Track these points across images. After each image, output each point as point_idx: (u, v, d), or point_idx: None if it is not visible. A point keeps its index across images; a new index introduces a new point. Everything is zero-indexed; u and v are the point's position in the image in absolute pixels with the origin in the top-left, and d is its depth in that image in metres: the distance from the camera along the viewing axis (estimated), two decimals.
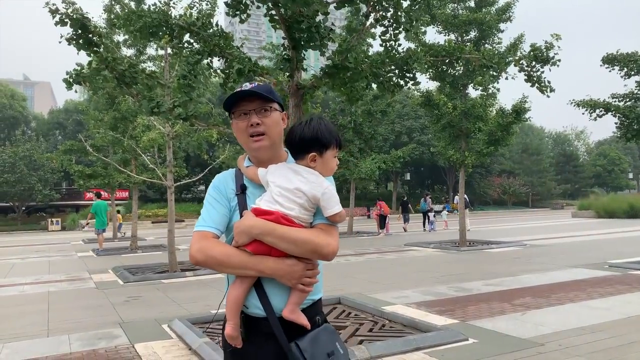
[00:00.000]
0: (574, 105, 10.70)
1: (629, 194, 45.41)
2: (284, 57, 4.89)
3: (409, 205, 24.01)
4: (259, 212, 1.64)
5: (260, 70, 5.41)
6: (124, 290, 8.91)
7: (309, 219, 1.68)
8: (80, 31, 4.81)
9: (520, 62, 5.83)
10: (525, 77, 5.91)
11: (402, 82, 6.00)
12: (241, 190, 1.72)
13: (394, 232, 21.81)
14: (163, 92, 8.60)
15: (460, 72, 14.50)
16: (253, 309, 1.67)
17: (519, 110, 13.59)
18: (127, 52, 13.53)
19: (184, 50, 6.03)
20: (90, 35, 4.91)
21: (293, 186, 1.65)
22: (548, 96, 5.93)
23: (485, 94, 14.03)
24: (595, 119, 10.36)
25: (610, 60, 10.78)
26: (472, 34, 14.47)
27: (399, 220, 23.95)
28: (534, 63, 5.79)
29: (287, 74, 5.01)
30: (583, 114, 10.51)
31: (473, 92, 28.86)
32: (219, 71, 6.25)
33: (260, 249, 1.61)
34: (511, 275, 9.18)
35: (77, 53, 5.02)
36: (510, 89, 14.87)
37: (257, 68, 5.34)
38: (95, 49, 5.01)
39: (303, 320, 1.65)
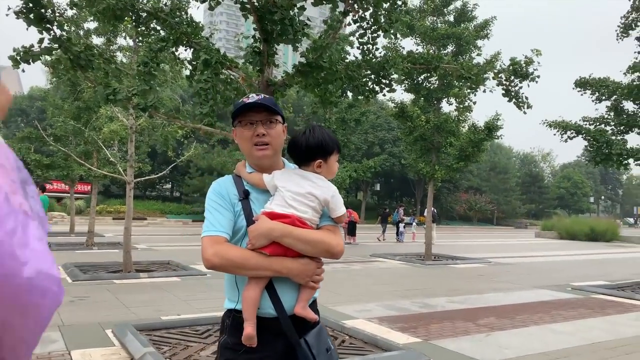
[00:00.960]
0: (546, 126, 10.72)
1: (590, 218, 46.65)
2: (254, 49, 4.57)
3: (389, 217, 24.34)
4: (274, 216, 1.72)
5: (229, 63, 5.07)
6: (71, 289, 8.34)
7: (317, 221, 1.81)
8: (31, 4, 4.38)
9: (499, 76, 5.68)
10: (503, 92, 5.76)
11: (377, 88, 5.77)
12: (244, 196, 1.79)
13: (360, 242, 21.62)
14: (129, 82, 8.14)
15: (436, 85, 14.52)
16: (265, 309, 1.73)
17: (491, 127, 13.61)
18: (97, 40, 12.99)
19: (150, 38, 5.66)
20: (43, 10, 4.48)
21: (305, 190, 1.76)
22: (525, 112, 5.79)
23: (462, 106, 13.97)
24: (566, 141, 10.39)
25: (582, 84, 10.86)
26: (450, 48, 14.46)
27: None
28: (512, 77, 5.65)
29: (257, 68, 4.69)
30: (554, 134, 10.54)
31: (447, 107, 29.17)
32: (186, 62, 5.89)
33: (278, 250, 1.70)
34: (475, 292, 9.04)
35: (27, 29, 4.58)
36: (483, 106, 14.89)
37: (226, 60, 5.01)
38: (47, 25, 4.58)
39: (312, 315, 1.77)
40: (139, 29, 5.79)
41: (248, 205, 1.77)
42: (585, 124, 10.34)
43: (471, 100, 13.75)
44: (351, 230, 21.44)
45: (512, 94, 5.70)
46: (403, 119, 14.68)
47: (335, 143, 1.88)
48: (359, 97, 5.62)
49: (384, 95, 5.92)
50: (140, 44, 6.90)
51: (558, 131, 10.40)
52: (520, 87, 5.70)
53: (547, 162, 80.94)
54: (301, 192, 1.76)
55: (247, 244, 1.71)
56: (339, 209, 1.81)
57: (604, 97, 10.65)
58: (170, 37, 5.12)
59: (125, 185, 10.64)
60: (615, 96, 10.46)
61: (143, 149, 12.19)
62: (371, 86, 5.75)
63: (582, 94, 10.91)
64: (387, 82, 5.71)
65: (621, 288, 9.94)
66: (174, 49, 5.26)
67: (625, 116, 10.24)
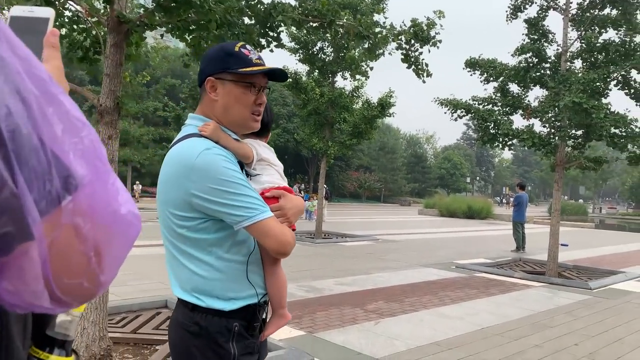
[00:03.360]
0: (438, 104, 10.61)
1: (466, 197, 50.08)
2: None
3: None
4: (289, 191, 1.63)
5: None
6: None
7: None
8: None
9: (399, 38, 5.12)
10: (402, 57, 5.22)
11: (263, 42, 4.92)
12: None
13: None
14: None
15: (331, 58, 13.99)
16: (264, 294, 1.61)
17: (385, 104, 13.42)
18: None
19: None
20: None
21: (280, 165, 1.71)
22: (424, 81, 5.33)
23: (357, 70, 13.49)
24: (456, 119, 10.35)
25: (472, 65, 10.88)
26: (345, 19, 13.90)
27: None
28: (412, 41, 5.13)
29: None
30: (445, 113, 10.46)
31: (341, 82, 29.43)
32: None
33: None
34: (364, 273, 8.69)
35: None
36: (377, 85, 14.71)
37: None
38: None
39: None
40: None
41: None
42: (475, 103, 10.38)
43: (368, 66, 13.29)
44: None
45: (412, 59, 5.16)
46: (297, 90, 14.00)
47: None
48: None
49: (272, 51, 5.07)
50: None
51: (449, 109, 10.31)
52: (421, 53, 5.18)
53: (431, 144, 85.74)
54: (280, 166, 1.70)
55: (283, 222, 1.52)
56: None
57: (491, 78, 10.77)
58: None
59: None
60: (502, 78, 10.61)
61: None
62: (257, 39, 4.88)
63: (471, 75, 10.96)
64: (275, 35, 4.88)
65: (500, 266, 10.23)
66: None
67: (510, 97, 10.42)
